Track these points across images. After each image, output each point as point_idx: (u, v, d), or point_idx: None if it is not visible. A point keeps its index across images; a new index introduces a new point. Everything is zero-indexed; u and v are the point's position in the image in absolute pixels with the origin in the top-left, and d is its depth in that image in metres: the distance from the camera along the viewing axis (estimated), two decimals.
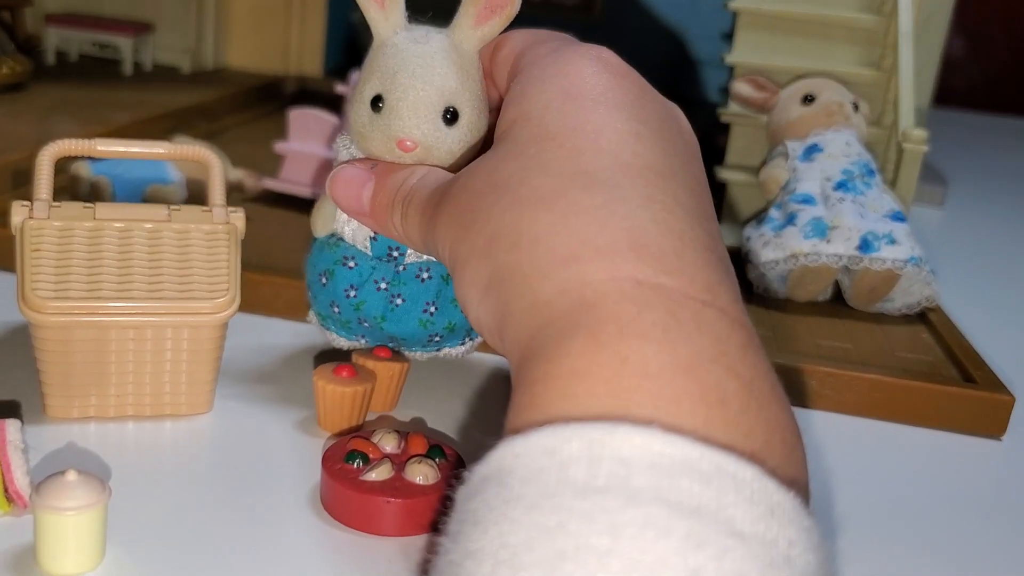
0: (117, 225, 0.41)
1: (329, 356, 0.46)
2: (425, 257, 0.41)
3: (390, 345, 0.44)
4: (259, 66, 0.99)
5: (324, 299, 0.43)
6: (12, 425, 0.33)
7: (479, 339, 0.45)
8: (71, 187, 0.57)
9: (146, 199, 0.57)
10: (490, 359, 0.49)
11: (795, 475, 0.25)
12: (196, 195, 0.59)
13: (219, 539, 0.34)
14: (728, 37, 0.70)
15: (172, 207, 0.42)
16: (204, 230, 0.41)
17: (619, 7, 1.23)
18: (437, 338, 0.43)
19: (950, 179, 1.01)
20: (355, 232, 0.42)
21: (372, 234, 0.41)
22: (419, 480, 0.35)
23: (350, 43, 1.12)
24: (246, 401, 0.43)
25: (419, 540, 0.34)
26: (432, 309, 0.42)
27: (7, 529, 0.33)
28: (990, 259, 0.81)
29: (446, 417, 0.43)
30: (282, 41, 0.99)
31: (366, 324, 0.43)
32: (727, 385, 0.25)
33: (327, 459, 0.36)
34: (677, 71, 1.26)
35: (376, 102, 0.38)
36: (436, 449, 0.37)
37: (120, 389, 0.40)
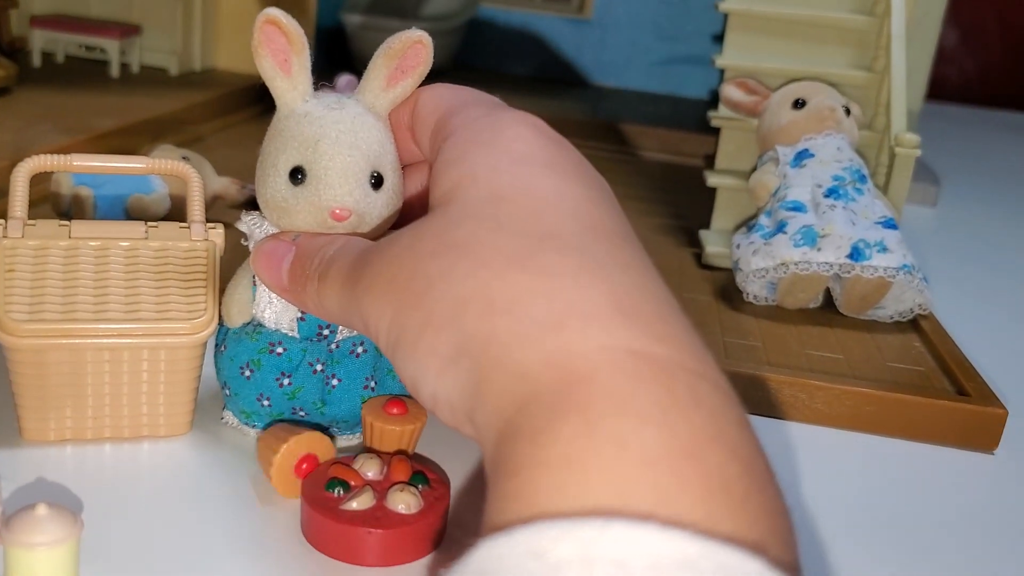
0: (93, 243, 0.40)
1: None
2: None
3: (333, 431, 0.41)
4: (248, 68, 0.98)
5: (249, 393, 0.40)
6: None
7: None
8: (52, 199, 0.56)
9: (128, 209, 0.56)
10: None
11: (793, 561, 0.24)
12: (180, 206, 0.58)
13: (195, 569, 0.33)
14: (719, 39, 0.69)
15: (150, 224, 0.41)
16: (182, 248, 0.41)
17: (609, 3, 1.22)
18: None
19: (943, 176, 1.01)
20: (279, 315, 0.39)
21: (300, 314, 0.39)
22: (401, 509, 0.34)
23: (341, 44, 1.11)
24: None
25: (401, 571, 0.34)
26: (372, 384, 0.40)
27: None
28: (984, 260, 0.81)
29: (431, 441, 0.42)
30: None
31: (302, 413, 0.40)
32: (729, 468, 0.23)
33: (307, 486, 0.35)
34: (667, 69, 1.25)
35: (296, 174, 0.36)
36: (419, 476, 0.36)
37: (97, 411, 0.39)
